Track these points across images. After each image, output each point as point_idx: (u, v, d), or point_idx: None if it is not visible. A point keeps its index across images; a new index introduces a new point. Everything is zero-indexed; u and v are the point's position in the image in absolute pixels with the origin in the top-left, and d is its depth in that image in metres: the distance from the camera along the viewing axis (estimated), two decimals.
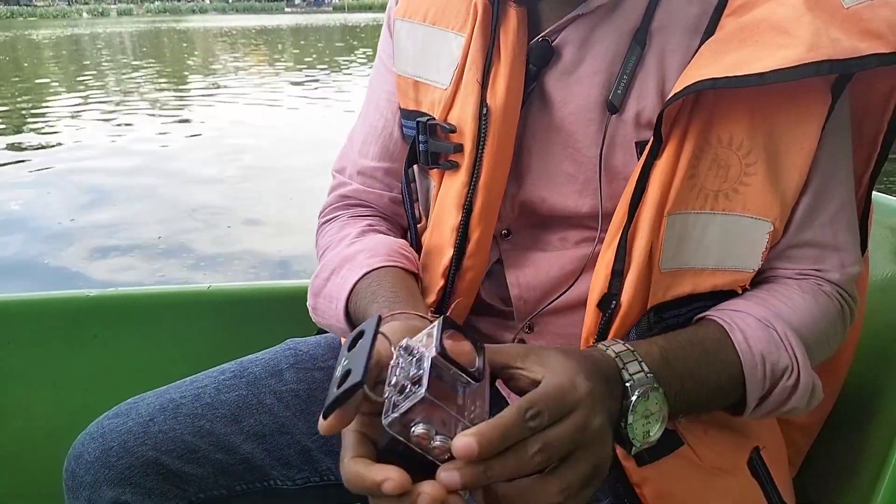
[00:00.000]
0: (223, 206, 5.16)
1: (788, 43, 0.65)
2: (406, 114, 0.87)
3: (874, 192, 0.85)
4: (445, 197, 0.82)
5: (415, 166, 0.88)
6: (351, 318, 0.80)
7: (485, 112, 0.77)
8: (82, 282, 3.91)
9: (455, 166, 0.80)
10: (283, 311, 1.32)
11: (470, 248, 0.81)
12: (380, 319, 0.55)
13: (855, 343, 0.87)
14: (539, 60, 0.77)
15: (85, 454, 0.85)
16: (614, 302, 0.71)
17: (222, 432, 0.87)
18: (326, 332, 1.02)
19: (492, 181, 0.79)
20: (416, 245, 0.89)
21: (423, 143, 0.81)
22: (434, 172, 0.84)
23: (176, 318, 1.32)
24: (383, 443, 0.55)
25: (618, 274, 0.71)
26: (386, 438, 0.55)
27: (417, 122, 0.81)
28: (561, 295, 0.81)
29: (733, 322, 0.71)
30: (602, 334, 0.72)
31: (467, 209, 0.79)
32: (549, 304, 0.83)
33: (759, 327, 0.70)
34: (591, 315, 0.73)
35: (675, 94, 0.67)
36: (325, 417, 0.52)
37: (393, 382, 0.53)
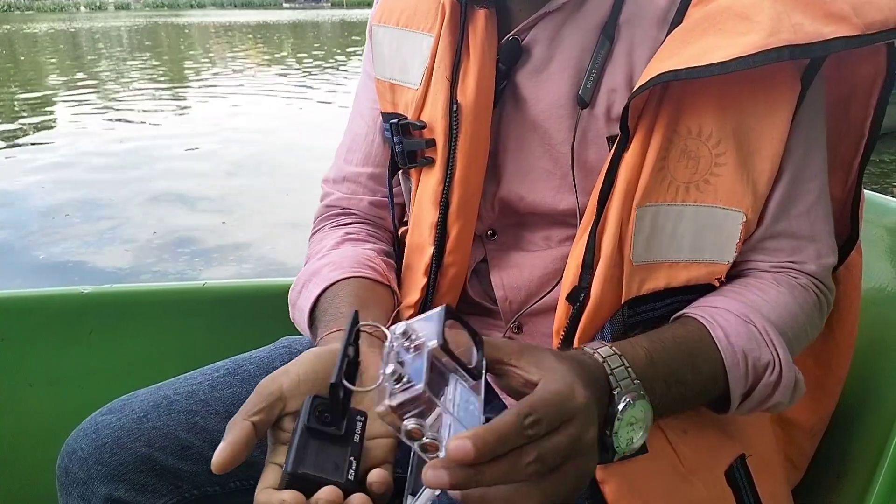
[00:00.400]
0: None
1: (749, 29, 0.65)
2: (386, 117, 0.87)
3: (869, 192, 0.85)
4: (423, 195, 0.82)
5: (400, 172, 0.88)
6: (315, 331, 0.80)
7: (454, 108, 0.78)
8: None
9: (430, 162, 0.80)
10: (278, 309, 1.30)
11: (450, 244, 0.81)
12: (356, 320, 0.56)
13: (852, 343, 0.87)
14: (508, 59, 0.78)
15: (78, 450, 0.85)
16: (583, 294, 0.71)
17: (216, 429, 0.87)
18: None
19: (467, 177, 0.79)
20: (402, 247, 0.90)
21: (398, 143, 0.82)
22: (413, 172, 0.85)
23: (171, 315, 1.31)
24: (286, 470, 0.55)
25: (588, 266, 0.71)
26: (287, 466, 0.55)
27: (390, 124, 0.82)
28: (545, 295, 0.82)
29: (713, 319, 0.70)
30: (572, 327, 0.72)
31: (444, 206, 0.80)
32: (534, 304, 0.83)
33: (738, 323, 0.70)
34: (561, 308, 0.73)
35: (638, 87, 0.67)
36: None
37: (389, 371, 0.51)
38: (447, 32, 0.79)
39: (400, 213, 0.94)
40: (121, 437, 0.85)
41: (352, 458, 0.57)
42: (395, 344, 0.53)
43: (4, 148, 7.24)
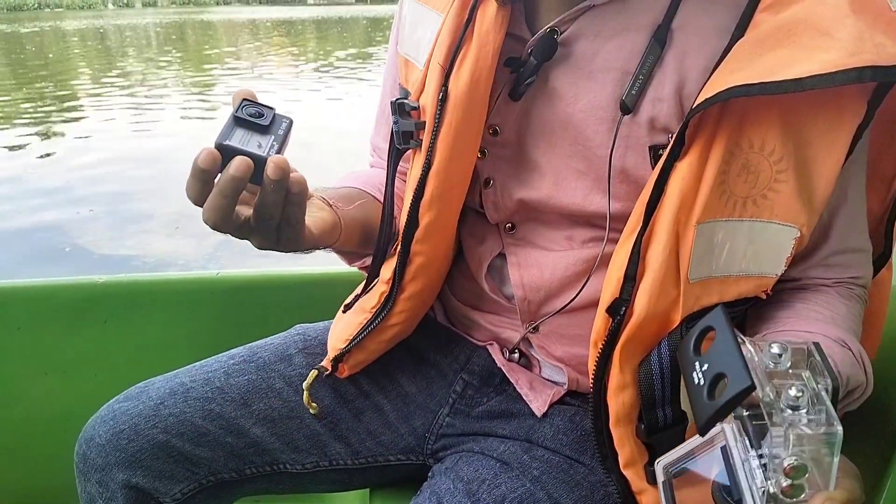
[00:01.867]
0: None
1: (829, 46, 0.60)
2: (401, 91, 0.85)
3: None
4: (409, 179, 0.81)
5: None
6: None
7: (441, 96, 0.75)
8: None
9: (418, 145, 0.79)
10: (291, 297, 1.32)
11: (418, 233, 0.79)
12: (725, 312, 0.52)
13: (873, 356, 0.87)
14: (542, 53, 0.74)
15: (96, 437, 0.86)
16: (624, 308, 0.68)
17: (232, 416, 0.88)
18: (333, 318, 1.03)
19: (446, 169, 0.77)
20: None
21: (395, 123, 0.79)
22: (412, 154, 0.83)
23: (185, 304, 1.32)
24: (215, 143, 0.62)
25: (630, 279, 0.67)
26: (215, 140, 0.62)
27: (391, 103, 0.80)
28: (572, 300, 0.80)
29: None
30: (612, 340, 0.69)
31: (418, 193, 0.78)
32: (553, 305, 0.82)
33: (840, 351, 0.68)
34: (600, 319, 0.70)
35: (707, 100, 0.62)
36: (705, 430, 0.49)
37: (794, 393, 0.47)
38: (453, 15, 0.76)
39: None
40: (138, 424, 0.85)
41: (274, 143, 0.64)
42: (771, 362, 0.50)
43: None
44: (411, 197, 0.78)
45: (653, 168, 0.71)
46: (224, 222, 0.64)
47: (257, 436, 0.89)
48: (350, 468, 0.93)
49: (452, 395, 0.91)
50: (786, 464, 0.46)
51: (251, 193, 0.67)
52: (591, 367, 0.70)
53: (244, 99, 0.66)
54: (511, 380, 0.87)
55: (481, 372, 0.90)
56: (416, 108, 0.78)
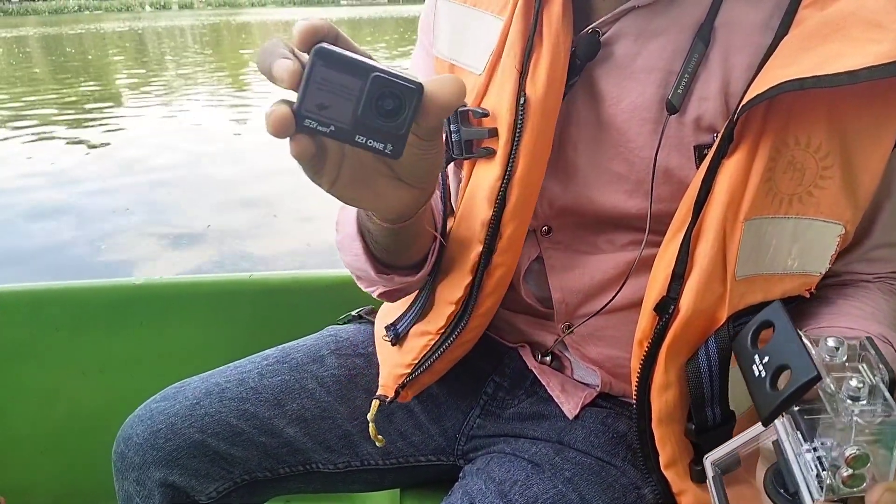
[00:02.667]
0: None
1: (882, 38, 0.59)
2: None
3: None
4: (477, 189, 0.78)
5: (450, 165, 0.84)
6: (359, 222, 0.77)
7: (522, 102, 0.73)
8: None
9: (490, 153, 0.76)
10: (322, 298, 1.34)
11: (501, 244, 0.77)
12: (784, 307, 0.52)
13: None
14: (586, 53, 0.73)
15: (134, 436, 0.88)
16: (672, 306, 0.67)
17: (266, 416, 0.89)
18: (360, 319, 1.04)
19: (528, 176, 0.75)
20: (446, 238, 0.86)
21: (454, 132, 0.77)
22: (466, 164, 0.80)
23: (218, 306, 1.34)
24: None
25: (678, 277, 0.67)
26: None
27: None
28: (610, 301, 0.79)
29: None
30: (658, 339, 0.68)
31: (500, 203, 0.75)
32: (591, 307, 0.81)
33: (882, 347, 0.65)
34: (647, 318, 0.69)
35: (758, 95, 0.61)
36: (770, 420, 0.50)
37: (855, 384, 0.48)
38: (520, 18, 0.74)
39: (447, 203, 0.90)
40: (175, 424, 0.87)
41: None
42: (828, 355, 0.51)
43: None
44: (490, 208, 0.75)
45: (696, 167, 0.70)
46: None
47: (290, 436, 0.90)
48: (381, 468, 0.94)
49: (483, 397, 0.91)
50: (847, 453, 0.46)
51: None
52: (636, 366, 0.70)
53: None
54: (542, 382, 0.87)
55: (512, 374, 0.90)
56: (484, 115, 0.76)
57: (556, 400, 0.86)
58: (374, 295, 0.86)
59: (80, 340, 1.34)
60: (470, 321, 0.80)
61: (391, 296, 0.85)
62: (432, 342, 0.81)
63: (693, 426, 0.69)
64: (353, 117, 0.47)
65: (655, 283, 0.68)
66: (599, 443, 0.83)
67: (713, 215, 0.65)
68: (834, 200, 0.66)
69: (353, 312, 1.06)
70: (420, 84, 0.47)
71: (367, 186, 0.57)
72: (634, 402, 0.71)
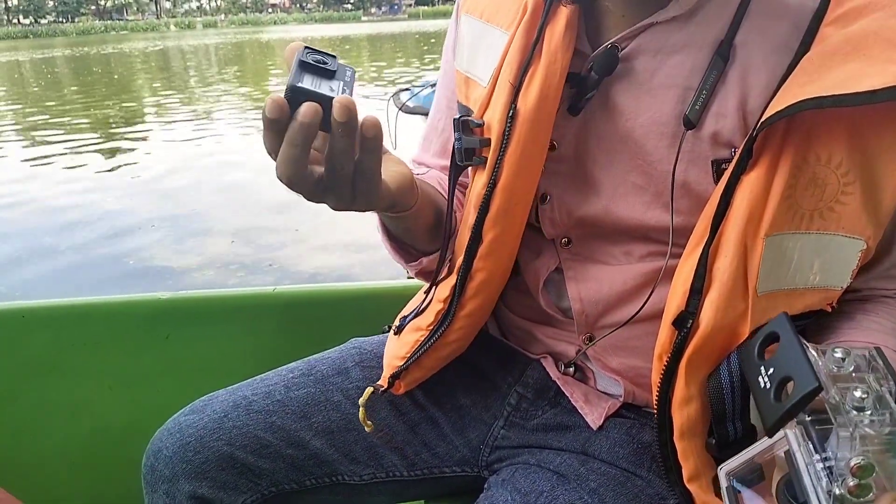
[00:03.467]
0: None
1: None
2: (460, 108, 0.87)
3: None
4: (471, 195, 0.81)
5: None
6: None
7: (511, 114, 0.76)
8: None
9: (483, 162, 0.79)
10: (346, 311, 1.35)
11: (482, 249, 0.79)
12: (789, 318, 0.54)
13: None
14: (603, 68, 0.75)
15: (163, 449, 0.89)
16: (691, 321, 0.67)
17: (292, 428, 0.90)
18: (387, 332, 1.05)
19: (513, 185, 0.77)
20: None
21: (457, 140, 0.80)
22: (470, 171, 0.83)
23: (244, 320, 1.36)
24: (287, 85, 0.59)
25: (696, 292, 0.68)
26: (287, 82, 0.59)
27: (454, 120, 0.80)
28: (624, 310, 0.80)
29: None
30: (677, 353, 0.69)
31: (483, 210, 0.78)
32: (618, 321, 0.81)
33: None
34: (666, 332, 0.70)
35: (778, 112, 0.62)
36: (773, 431, 0.51)
37: (859, 395, 0.49)
38: (522, 34, 0.77)
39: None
40: (203, 437, 0.88)
41: (344, 87, 0.61)
42: (835, 366, 0.52)
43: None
44: (475, 214, 0.79)
45: (715, 182, 0.71)
46: (297, 177, 0.60)
47: (317, 448, 0.91)
48: (406, 479, 0.95)
49: (507, 408, 0.92)
50: (852, 463, 0.47)
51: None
52: (656, 380, 0.71)
53: (305, 46, 0.62)
54: (566, 393, 0.88)
55: (535, 385, 0.91)
56: (481, 126, 0.79)
57: (579, 411, 0.87)
58: (414, 274, 0.93)
59: (106, 355, 1.36)
60: (454, 321, 0.84)
61: (427, 275, 0.90)
62: (422, 338, 0.86)
63: (714, 440, 0.69)
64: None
65: (674, 298, 0.69)
66: (624, 453, 0.83)
67: (732, 231, 0.66)
68: (855, 216, 0.67)
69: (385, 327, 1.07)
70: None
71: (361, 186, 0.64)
72: (656, 416, 0.72)
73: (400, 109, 5.91)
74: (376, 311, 1.28)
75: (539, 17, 0.77)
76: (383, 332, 1.05)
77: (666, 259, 0.77)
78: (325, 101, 0.58)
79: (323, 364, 0.97)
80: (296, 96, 0.58)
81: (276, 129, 0.59)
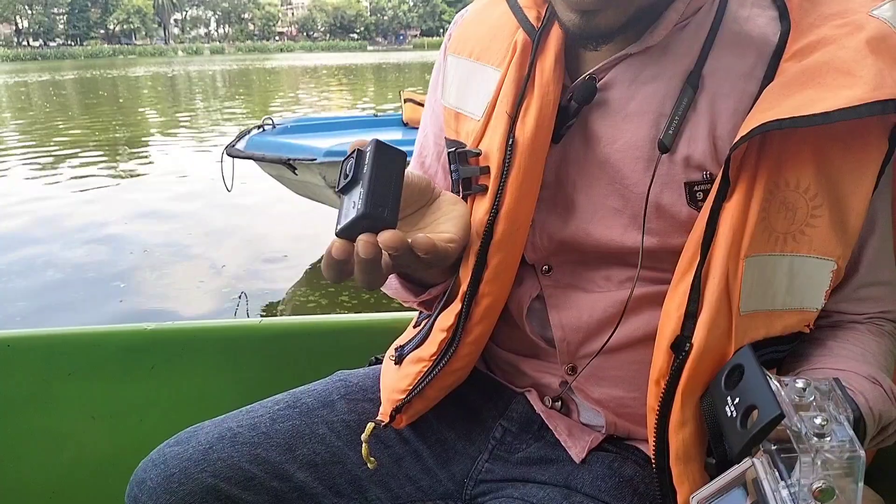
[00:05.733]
0: None
1: (852, 83, 0.66)
2: (449, 143, 0.90)
3: None
4: (472, 223, 0.83)
5: None
6: None
7: (511, 143, 0.80)
8: None
9: (483, 189, 0.82)
10: (332, 343, 1.35)
11: (487, 274, 0.82)
12: (753, 351, 0.59)
13: None
14: (582, 98, 0.79)
15: (147, 480, 0.89)
16: (688, 344, 0.70)
17: (277, 461, 0.90)
18: (374, 364, 1.06)
19: (515, 211, 0.80)
20: None
21: (454, 171, 0.84)
22: (468, 199, 0.86)
23: (229, 351, 1.36)
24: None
25: (692, 316, 0.71)
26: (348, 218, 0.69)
27: (449, 153, 0.84)
28: (604, 337, 0.82)
29: (851, 384, 0.70)
30: (675, 377, 0.71)
31: (487, 236, 0.81)
32: (599, 349, 0.83)
33: (871, 388, 0.71)
34: (662, 356, 0.72)
35: (742, 137, 0.68)
36: (740, 457, 0.54)
37: (819, 422, 0.53)
38: (515, 69, 0.81)
39: None
40: (188, 468, 0.88)
41: (361, 191, 0.69)
42: (797, 396, 0.55)
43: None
44: (479, 240, 0.81)
45: (687, 203, 0.76)
46: (376, 284, 0.73)
47: (301, 480, 0.91)
48: None
49: (492, 442, 0.93)
50: (814, 487, 0.50)
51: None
52: (654, 405, 0.73)
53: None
54: (550, 426, 0.89)
55: (520, 419, 0.92)
56: (477, 155, 0.83)
57: (563, 444, 0.88)
58: (414, 305, 0.97)
59: (90, 385, 1.35)
60: (459, 349, 0.85)
61: (429, 304, 0.93)
62: (426, 368, 0.86)
63: (714, 461, 0.71)
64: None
65: (669, 322, 0.72)
66: (606, 487, 0.85)
67: (719, 254, 0.70)
68: (825, 238, 0.71)
69: (373, 358, 1.08)
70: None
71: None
72: (654, 441, 0.74)
73: (229, 154, 5.30)
74: (362, 343, 1.29)
75: (528, 54, 0.81)
76: (370, 365, 1.06)
77: (634, 283, 0.80)
78: (355, 225, 0.69)
79: (308, 396, 0.98)
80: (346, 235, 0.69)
81: (339, 267, 0.71)
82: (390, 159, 0.70)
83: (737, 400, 0.54)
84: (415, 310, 1.00)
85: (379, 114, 7.74)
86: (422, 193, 0.80)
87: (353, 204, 0.67)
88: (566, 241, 0.84)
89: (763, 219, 0.70)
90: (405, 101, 6.08)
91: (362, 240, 0.68)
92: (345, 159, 0.71)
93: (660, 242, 0.78)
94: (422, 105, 5.11)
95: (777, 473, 0.52)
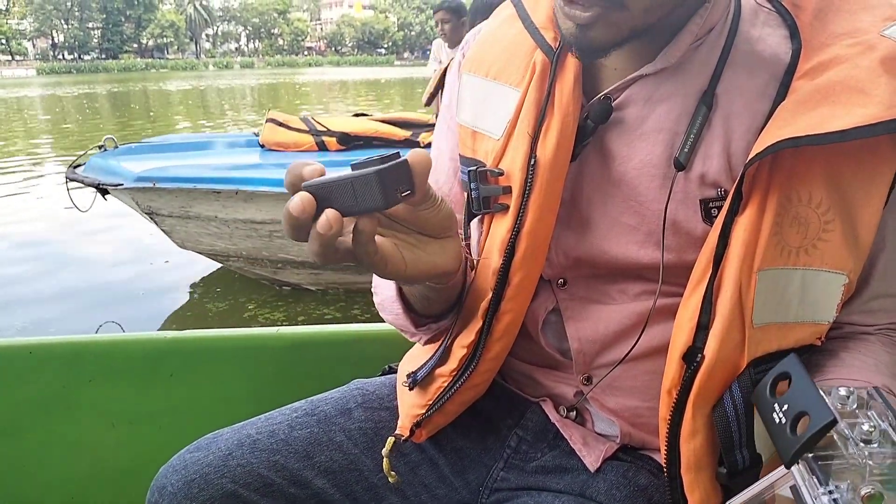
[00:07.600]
0: None
1: (866, 102, 0.66)
2: (464, 161, 0.90)
3: None
4: (492, 241, 0.84)
5: (474, 220, 0.90)
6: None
7: (532, 163, 0.80)
8: None
9: (504, 209, 0.82)
10: (349, 352, 1.36)
11: (509, 291, 0.82)
12: (799, 358, 0.58)
13: None
14: (598, 117, 0.80)
15: (168, 486, 0.89)
16: (700, 355, 0.71)
17: (296, 467, 0.91)
18: (390, 373, 1.06)
19: (537, 229, 0.80)
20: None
21: (474, 189, 0.84)
22: (486, 219, 0.86)
23: (247, 359, 1.37)
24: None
25: (703, 327, 0.71)
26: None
27: (468, 172, 0.84)
28: (620, 349, 0.83)
29: None
30: (686, 387, 0.72)
31: (509, 253, 0.81)
32: (614, 359, 0.83)
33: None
34: (674, 367, 0.73)
35: (758, 154, 0.68)
36: (792, 462, 0.54)
37: (867, 428, 0.53)
38: (535, 89, 0.82)
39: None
40: (208, 474, 0.88)
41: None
42: (839, 403, 0.55)
43: None
44: (500, 258, 0.81)
45: (703, 219, 0.77)
46: (326, 259, 0.63)
47: (319, 487, 0.91)
48: None
49: (507, 450, 0.92)
50: (863, 492, 0.50)
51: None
52: (665, 415, 0.73)
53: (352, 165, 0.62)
54: (565, 435, 0.89)
55: (535, 428, 0.92)
56: (499, 174, 0.82)
57: (578, 453, 0.87)
58: (413, 340, 0.95)
59: (110, 393, 1.37)
60: (479, 364, 0.85)
61: (428, 340, 0.93)
62: (445, 384, 0.87)
63: (725, 470, 0.71)
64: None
65: (681, 333, 0.73)
66: (621, 496, 0.84)
67: (731, 267, 0.71)
68: (837, 252, 0.72)
69: (386, 367, 1.08)
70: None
71: (422, 254, 0.69)
72: (665, 450, 0.74)
73: (67, 177, 4.44)
74: (376, 352, 1.29)
75: (547, 74, 0.82)
76: (384, 374, 1.06)
77: (656, 296, 0.80)
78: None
79: (326, 404, 0.98)
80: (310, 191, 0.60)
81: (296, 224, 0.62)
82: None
83: (785, 407, 0.54)
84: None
85: (235, 135, 6.52)
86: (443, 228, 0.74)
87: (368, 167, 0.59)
88: (582, 258, 0.84)
89: (776, 233, 0.70)
90: (267, 120, 5.15)
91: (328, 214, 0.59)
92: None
93: (675, 258, 0.78)
94: (285, 127, 4.89)
95: (815, 479, 0.52)
